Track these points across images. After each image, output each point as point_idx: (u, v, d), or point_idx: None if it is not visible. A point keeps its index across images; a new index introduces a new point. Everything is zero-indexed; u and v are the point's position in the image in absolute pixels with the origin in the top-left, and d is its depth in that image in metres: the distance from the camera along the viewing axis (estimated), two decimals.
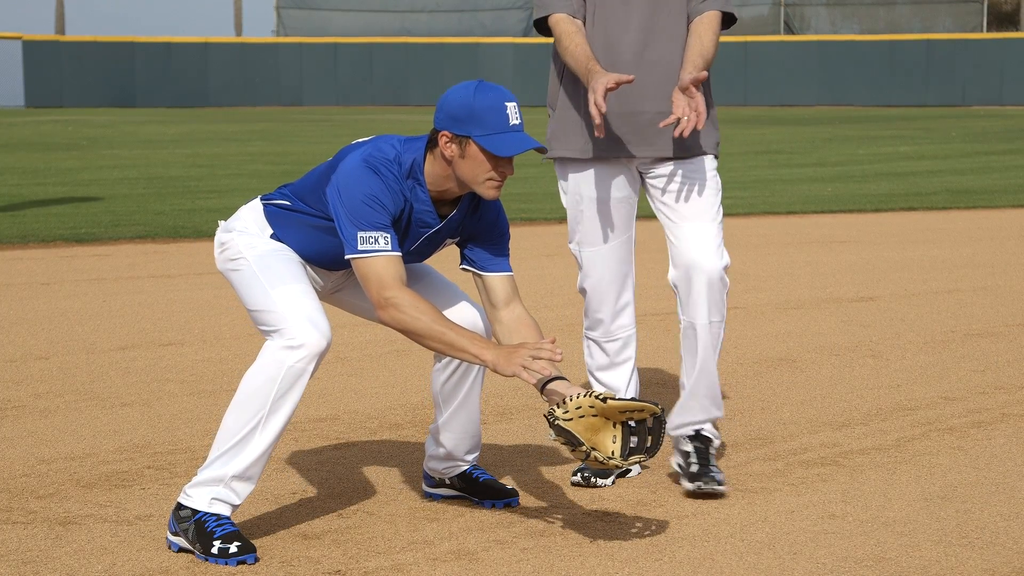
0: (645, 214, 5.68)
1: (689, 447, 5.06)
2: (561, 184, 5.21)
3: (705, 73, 4.83)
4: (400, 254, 4.38)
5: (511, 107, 4.36)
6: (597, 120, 4.76)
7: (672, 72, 4.97)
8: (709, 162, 5.11)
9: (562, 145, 5.13)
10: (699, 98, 4.80)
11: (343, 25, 52.52)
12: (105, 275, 10.61)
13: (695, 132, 4.96)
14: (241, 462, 4.36)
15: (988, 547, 4.44)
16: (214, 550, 4.29)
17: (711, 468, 4.98)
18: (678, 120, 4.80)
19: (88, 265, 11.17)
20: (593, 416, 4.21)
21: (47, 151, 24.79)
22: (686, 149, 5.05)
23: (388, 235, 4.35)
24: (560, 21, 5.02)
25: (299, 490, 5.08)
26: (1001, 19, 51.43)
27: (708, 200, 5.06)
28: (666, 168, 5.08)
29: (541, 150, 4.34)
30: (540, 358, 4.21)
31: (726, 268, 5.07)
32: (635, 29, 4.99)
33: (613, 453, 4.22)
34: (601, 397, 4.20)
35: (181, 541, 4.39)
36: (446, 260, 5.14)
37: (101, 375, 7.00)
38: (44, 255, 11.72)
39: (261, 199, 4.67)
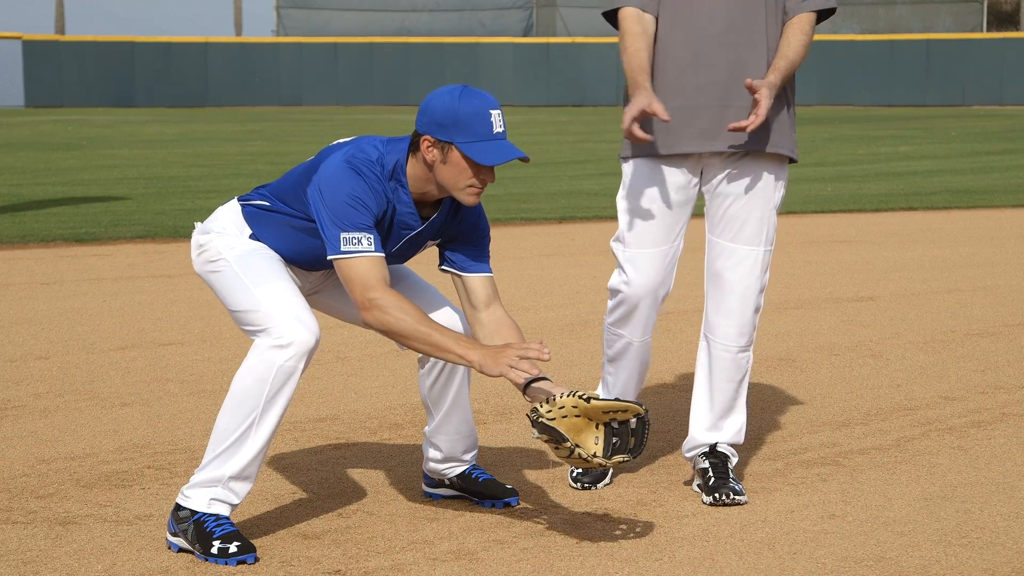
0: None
1: (706, 463, 5.04)
2: (624, 180, 5.04)
3: (759, 83, 4.73)
4: (383, 255, 4.35)
5: (495, 115, 4.33)
6: (635, 134, 4.71)
7: (757, 70, 4.87)
8: (777, 168, 5.00)
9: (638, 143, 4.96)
10: (762, 103, 4.72)
11: (343, 25, 52.51)
12: (105, 275, 10.61)
13: (773, 131, 4.91)
14: (237, 462, 4.36)
15: (988, 547, 4.44)
16: (214, 550, 4.29)
17: (730, 480, 4.97)
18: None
19: (88, 265, 11.17)
20: (576, 416, 4.19)
21: (47, 151, 24.79)
22: (772, 147, 4.94)
23: (371, 236, 4.33)
24: (627, 17, 4.90)
25: (299, 490, 5.08)
26: (1001, 19, 51.44)
27: (759, 219, 4.99)
28: (731, 169, 4.96)
29: (524, 160, 4.31)
30: (527, 358, 4.20)
31: (762, 291, 5.04)
32: (720, 23, 4.87)
33: (596, 453, 4.21)
34: (585, 397, 4.19)
35: (181, 542, 4.38)
36: (424, 262, 5.13)
37: (101, 375, 7.00)
38: (44, 255, 11.72)
39: (239, 199, 4.64)
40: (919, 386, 6.76)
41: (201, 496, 4.37)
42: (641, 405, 4.23)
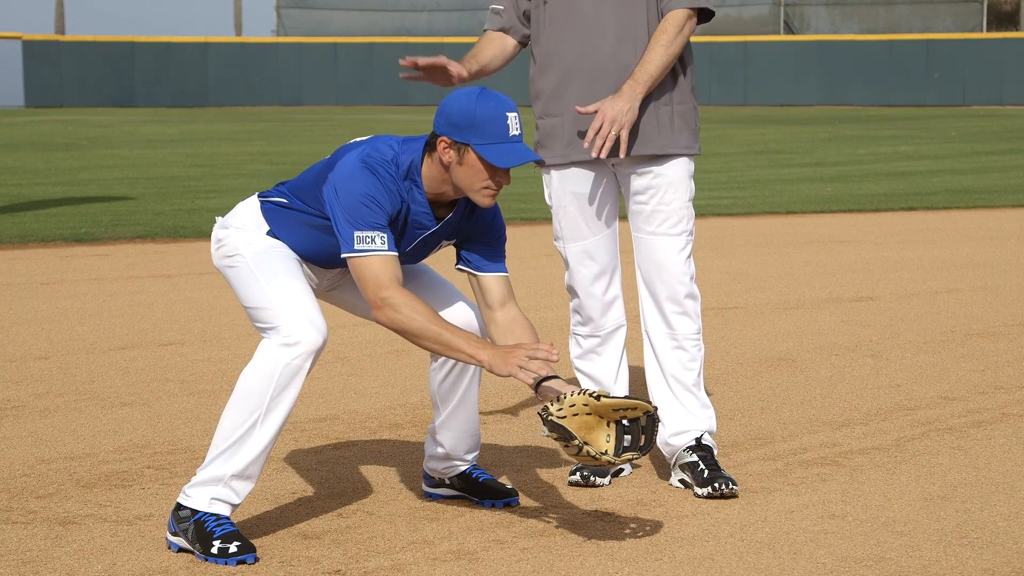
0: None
1: (694, 457, 5.05)
2: (545, 182, 5.23)
3: (591, 108, 4.89)
4: (396, 254, 4.37)
5: (512, 117, 4.35)
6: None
7: None
8: (683, 165, 5.11)
9: (545, 152, 5.16)
10: (606, 116, 4.85)
11: (343, 25, 52.52)
12: (105, 275, 10.61)
13: (671, 134, 5.04)
14: (240, 461, 4.36)
15: (988, 547, 4.44)
16: (214, 550, 4.29)
17: (722, 471, 5.00)
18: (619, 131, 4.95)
19: (88, 265, 11.17)
20: (587, 414, 4.21)
21: (47, 151, 24.80)
22: (660, 149, 5.06)
23: (385, 235, 4.35)
24: (488, 34, 5.25)
25: (299, 490, 5.09)
26: (1001, 19, 51.46)
27: (677, 212, 5.09)
28: (640, 170, 5.09)
29: (540, 163, 4.34)
30: (536, 359, 4.21)
31: (692, 278, 5.11)
32: (611, 35, 5.02)
33: (607, 451, 4.23)
34: (595, 395, 4.20)
35: (181, 541, 4.38)
36: (442, 259, 5.15)
37: (101, 375, 7.00)
38: (44, 255, 11.72)
39: (258, 196, 4.67)
40: (919, 386, 6.76)
41: (202, 495, 4.37)
42: (651, 403, 4.24)
